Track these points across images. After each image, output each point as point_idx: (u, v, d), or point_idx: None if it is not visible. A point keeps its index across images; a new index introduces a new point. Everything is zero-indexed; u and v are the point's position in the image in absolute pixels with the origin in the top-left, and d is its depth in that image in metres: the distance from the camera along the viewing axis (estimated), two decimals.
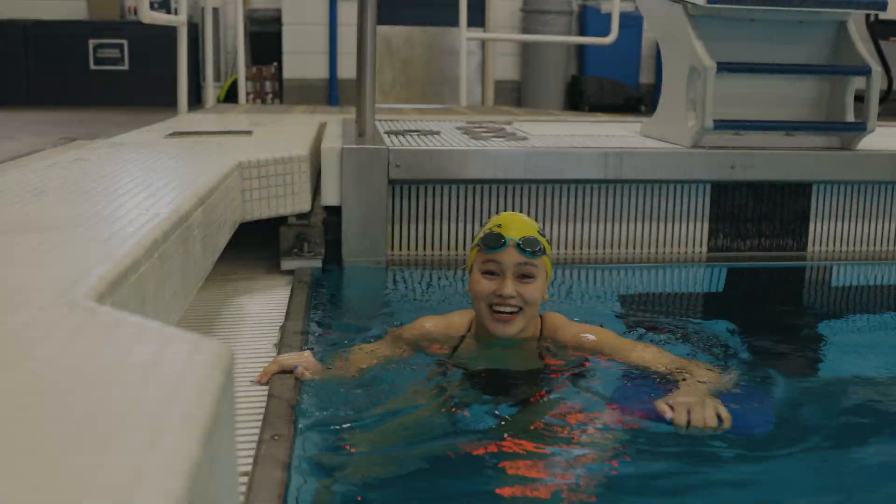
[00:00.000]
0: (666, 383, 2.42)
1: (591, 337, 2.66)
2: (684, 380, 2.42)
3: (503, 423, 2.30)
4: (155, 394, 1.01)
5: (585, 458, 2.12)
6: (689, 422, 2.18)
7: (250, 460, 1.97)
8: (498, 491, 1.99)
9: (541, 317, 2.72)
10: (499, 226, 2.60)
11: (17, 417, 0.95)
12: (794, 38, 4.38)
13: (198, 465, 0.88)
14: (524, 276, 2.56)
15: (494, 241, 2.56)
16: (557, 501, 1.93)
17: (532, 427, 2.28)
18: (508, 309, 2.57)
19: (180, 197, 2.44)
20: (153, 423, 0.93)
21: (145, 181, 2.78)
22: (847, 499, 2.07)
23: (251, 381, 2.51)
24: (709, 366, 2.58)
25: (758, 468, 2.12)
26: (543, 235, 2.64)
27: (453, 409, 2.39)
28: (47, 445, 0.88)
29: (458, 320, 2.79)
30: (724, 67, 4.10)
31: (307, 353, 2.59)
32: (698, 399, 2.24)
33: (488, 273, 2.58)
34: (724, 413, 2.20)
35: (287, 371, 2.49)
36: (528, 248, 2.54)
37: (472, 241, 2.73)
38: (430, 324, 2.78)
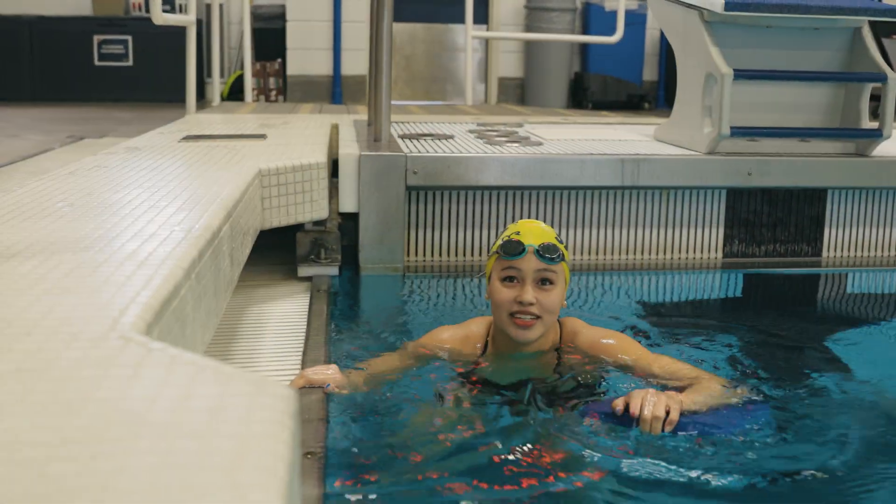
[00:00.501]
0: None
1: (609, 342, 2.68)
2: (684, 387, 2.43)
3: (526, 433, 2.30)
4: (227, 445, 1.00)
5: (605, 467, 2.13)
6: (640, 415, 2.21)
7: None
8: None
9: (559, 322, 2.72)
10: (517, 233, 2.61)
11: (88, 470, 0.94)
12: (809, 44, 4.38)
13: None
14: (544, 282, 2.58)
15: (514, 248, 2.57)
16: None
17: (554, 436, 2.29)
18: (528, 316, 2.57)
19: (209, 211, 2.43)
20: (234, 480, 0.92)
21: (169, 193, 2.76)
22: None
23: None
24: (721, 379, 2.57)
25: (773, 475, 2.12)
26: (561, 242, 2.65)
27: (477, 421, 2.39)
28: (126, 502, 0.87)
29: (475, 329, 2.80)
30: (741, 75, 4.10)
31: (333, 367, 2.58)
32: (654, 393, 2.26)
33: (508, 280, 2.59)
34: (674, 413, 2.21)
35: (315, 386, 2.48)
36: (548, 254, 2.55)
37: (490, 248, 2.74)
38: (447, 334, 2.79)
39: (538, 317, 2.57)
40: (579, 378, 2.58)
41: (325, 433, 2.24)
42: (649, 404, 2.22)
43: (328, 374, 2.52)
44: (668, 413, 2.21)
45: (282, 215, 3.51)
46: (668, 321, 3.57)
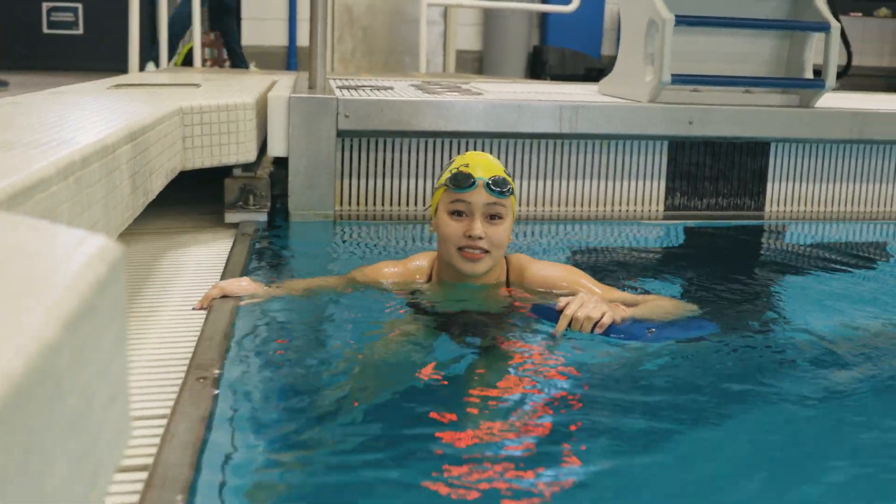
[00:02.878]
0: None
1: (556, 273, 2.67)
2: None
3: (464, 365, 2.21)
4: (26, 277, 0.91)
5: (550, 397, 2.05)
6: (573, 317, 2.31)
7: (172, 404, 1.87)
8: (452, 435, 1.87)
9: (506, 259, 2.67)
10: (466, 165, 2.51)
11: None
12: None
13: (52, 348, 0.78)
14: (493, 217, 2.50)
15: (464, 181, 2.48)
16: (518, 442, 1.84)
17: (496, 368, 2.22)
18: (478, 250, 2.50)
19: (107, 129, 2.33)
20: (14, 302, 0.83)
21: (78, 120, 2.65)
22: (796, 447, 2.00)
23: (184, 329, 2.41)
24: (671, 300, 2.65)
25: (712, 419, 2.06)
26: (510, 175, 2.57)
27: (407, 350, 2.29)
28: None
29: (419, 263, 2.73)
30: (683, 20, 4.02)
31: (246, 279, 2.60)
32: (597, 299, 2.35)
33: (456, 213, 2.51)
34: (606, 318, 2.29)
35: (227, 296, 2.49)
36: (498, 187, 2.48)
37: (437, 181, 2.64)
38: (389, 266, 2.74)
39: (487, 251, 2.51)
40: (526, 308, 2.53)
41: (224, 360, 2.14)
42: (586, 306, 2.30)
43: (242, 284, 2.53)
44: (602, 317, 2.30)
45: (205, 156, 3.40)
46: (606, 275, 3.49)
